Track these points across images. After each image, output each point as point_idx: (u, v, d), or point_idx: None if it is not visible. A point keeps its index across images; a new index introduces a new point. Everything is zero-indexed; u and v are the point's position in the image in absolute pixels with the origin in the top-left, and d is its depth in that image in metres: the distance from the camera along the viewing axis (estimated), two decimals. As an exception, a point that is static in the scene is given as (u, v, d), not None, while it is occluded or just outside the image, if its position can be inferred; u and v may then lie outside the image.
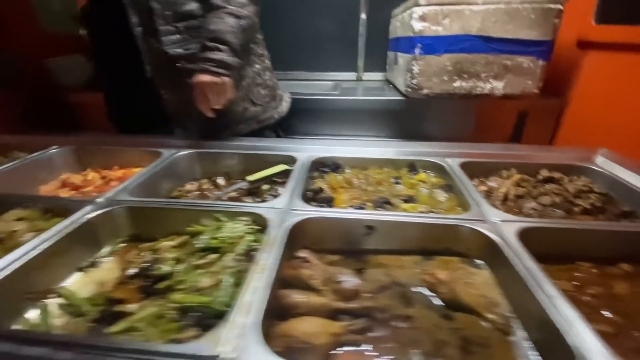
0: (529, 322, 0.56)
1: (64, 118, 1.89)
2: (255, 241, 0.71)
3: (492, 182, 1.02)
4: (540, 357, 0.52)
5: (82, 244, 0.73)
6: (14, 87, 1.70)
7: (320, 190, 0.99)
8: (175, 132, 1.34)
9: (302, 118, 1.70)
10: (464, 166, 1.02)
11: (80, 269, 0.72)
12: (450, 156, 1.09)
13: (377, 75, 2.32)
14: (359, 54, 2.26)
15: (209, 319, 0.53)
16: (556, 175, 1.02)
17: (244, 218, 0.78)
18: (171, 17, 1.03)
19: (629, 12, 1.27)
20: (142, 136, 1.26)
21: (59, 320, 0.60)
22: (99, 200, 0.83)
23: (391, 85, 2.02)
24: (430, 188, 0.98)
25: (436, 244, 0.75)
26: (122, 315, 0.59)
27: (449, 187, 0.97)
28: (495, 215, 0.76)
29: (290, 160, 1.10)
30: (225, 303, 0.55)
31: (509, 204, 0.94)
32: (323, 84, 2.25)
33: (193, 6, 1.01)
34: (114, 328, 0.55)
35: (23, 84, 1.75)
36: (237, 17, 0.98)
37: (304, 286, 0.62)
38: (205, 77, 0.99)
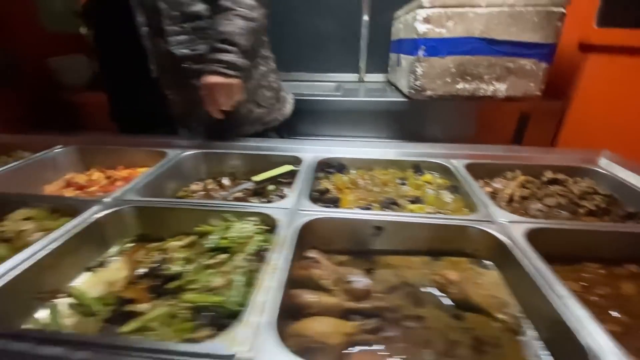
0: (539, 322, 0.56)
1: (65, 118, 1.88)
2: (264, 241, 0.71)
3: (497, 184, 1.03)
4: (551, 357, 0.52)
5: (90, 244, 0.73)
6: (15, 87, 1.69)
7: (327, 190, 0.99)
8: (179, 132, 1.34)
9: (304, 119, 1.71)
10: (469, 167, 1.03)
11: (88, 269, 0.72)
12: (454, 157, 1.10)
13: (378, 77, 2.33)
14: (361, 56, 2.27)
15: (222, 318, 0.53)
16: (560, 176, 1.02)
17: (252, 218, 0.78)
18: (178, 18, 1.03)
19: (630, 15, 1.28)
20: (147, 136, 1.26)
21: (69, 320, 0.60)
22: (106, 200, 0.83)
23: (393, 87, 2.03)
24: (436, 189, 0.98)
25: (444, 244, 0.75)
26: (133, 315, 0.59)
27: (455, 188, 0.97)
28: (503, 216, 0.77)
29: (296, 161, 1.10)
30: (238, 303, 0.55)
31: (514, 205, 0.94)
32: (325, 85, 2.25)
33: (200, 7, 1.02)
34: (126, 327, 0.55)
35: (25, 84, 1.74)
36: (247, 19, 0.98)
37: (315, 286, 0.63)
38: (214, 78, 0.99)
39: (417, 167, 1.10)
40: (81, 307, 0.62)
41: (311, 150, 1.16)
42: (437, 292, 0.65)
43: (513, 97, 1.51)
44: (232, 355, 0.43)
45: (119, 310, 0.61)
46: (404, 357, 0.53)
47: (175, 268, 0.67)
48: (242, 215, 0.78)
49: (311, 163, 1.06)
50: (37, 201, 0.82)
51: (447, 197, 0.95)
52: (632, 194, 0.92)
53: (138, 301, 0.62)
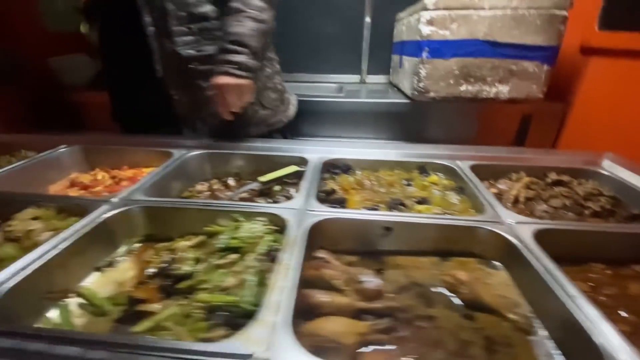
0: (550, 321, 0.57)
1: (66, 117, 1.88)
2: (274, 241, 0.71)
3: (502, 185, 1.04)
4: (563, 357, 0.53)
5: (99, 244, 0.73)
6: (17, 86, 1.69)
7: (333, 191, 0.99)
8: (183, 132, 1.34)
9: (307, 120, 1.71)
10: (474, 169, 1.04)
11: (97, 269, 0.72)
12: (458, 159, 1.10)
13: (380, 78, 2.34)
14: (363, 57, 2.28)
15: (236, 318, 0.53)
16: (565, 178, 1.03)
17: (261, 218, 0.78)
18: (185, 19, 1.03)
19: (632, 18, 1.30)
20: (151, 136, 1.26)
21: (79, 320, 0.60)
22: (114, 200, 0.82)
23: (395, 88, 2.04)
24: (442, 190, 0.99)
25: (452, 245, 0.75)
26: (144, 315, 0.59)
27: (461, 189, 0.98)
28: (510, 217, 0.77)
29: (302, 162, 1.11)
30: (252, 302, 0.55)
31: (519, 206, 0.95)
32: (327, 86, 2.26)
33: (207, 8, 1.02)
34: (139, 327, 0.55)
35: (26, 83, 1.74)
36: (257, 21, 0.99)
37: (326, 286, 0.63)
38: (225, 79, 0.99)
39: (423, 168, 1.10)
40: (91, 307, 0.62)
41: (316, 151, 1.16)
42: (447, 292, 0.65)
43: (515, 99, 1.52)
44: (250, 355, 0.43)
45: (130, 310, 0.61)
46: (417, 356, 0.53)
47: (185, 268, 0.67)
48: (250, 216, 0.78)
49: (317, 164, 1.06)
50: (44, 201, 0.82)
51: (454, 198, 0.95)
52: (636, 195, 0.93)
53: (149, 301, 0.62)
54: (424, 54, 1.45)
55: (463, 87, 1.51)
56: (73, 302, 0.63)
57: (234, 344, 0.44)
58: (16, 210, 0.79)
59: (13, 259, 0.62)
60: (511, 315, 0.59)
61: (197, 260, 0.69)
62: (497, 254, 0.73)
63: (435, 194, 0.96)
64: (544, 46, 1.40)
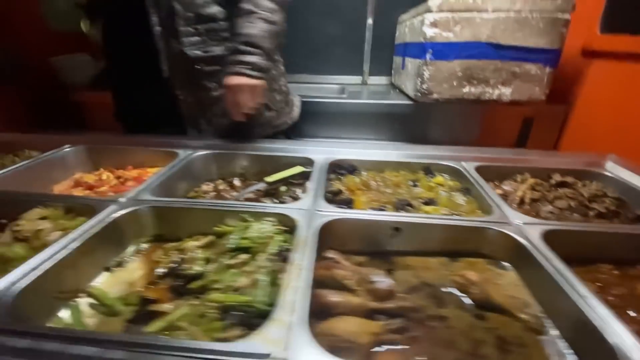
0: (562, 321, 0.57)
1: (68, 117, 1.87)
2: (284, 241, 0.71)
3: (507, 186, 1.04)
4: (575, 356, 0.53)
5: (109, 244, 0.73)
6: (19, 86, 1.68)
7: (339, 192, 1.00)
8: (188, 132, 1.34)
9: (310, 121, 1.72)
10: (479, 170, 1.04)
11: (106, 269, 0.71)
12: (463, 160, 1.11)
13: (381, 80, 2.35)
14: (365, 58, 2.29)
15: (251, 318, 0.53)
16: (569, 179, 1.04)
17: (270, 218, 0.78)
18: (192, 19, 1.03)
19: (634, 22, 1.31)
20: (155, 136, 1.26)
21: (91, 320, 0.60)
22: (121, 199, 0.82)
23: (397, 90, 2.05)
24: (448, 191, 0.99)
25: (461, 245, 0.76)
26: (155, 315, 0.59)
27: (467, 190, 0.98)
28: (518, 218, 0.78)
29: (307, 162, 1.11)
30: (266, 302, 0.55)
31: (525, 207, 0.95)
32: (328, 87, 2.27)
33: (215, 9, 1.02)
34: (152, 327, 0.55)
35: (28, 83, 1.73)
36: (269, 22, 0.99)
37: (338, 286, 0.63)
38: (239, 79, 0.99)
39: (428, 169, 1.11)
40: (103, 307, 0.62)
41: (321, 151, 1.16)
42: (457, 293, 0.66)
43: (518, 101, 1.54)
44: (268, 355, 0.43)
45: (141, 310, 0.61)
46: (430, 356, 0.53)
47: (196, 268, 0.66)
48: (259, 216, 0.78)
49: (323, 164, 1.07)
50: (52, 201, 0.81)
51: (460, 199, 0.96)
52: (640, 197, 0.94)
53: (160, 301, 0.62)
54: (428, 56, 1.46)
55: (466, 89, 1.52)
56: (83, 302, 0.63)
57: (252, 343, 0.44)
58: (23, 210, 0.79)
59: (23, 258, 0.61)
60: (522, 315, 0.59)
61: (208, 261, 0.69)
62: (505, 255, 0.73)
63: (442, 195, 0.97)
64: (547, 49, 1.42)
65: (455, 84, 1.50)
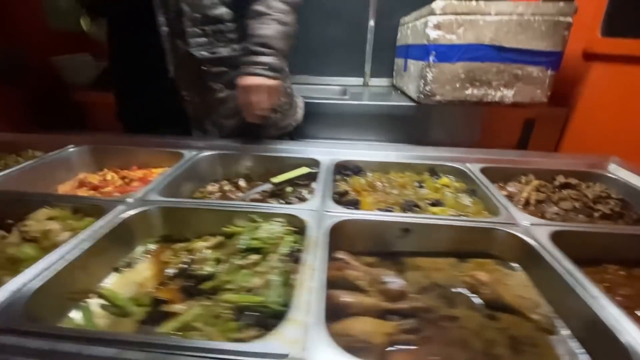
0: (574, 321, 0.57)
1: (69, 117, 1.86)
2: (294, 242, 0.71)
3: (511, 187, 1.05)
4: (588, 355, 0.53)
5: (118, 244, 0.72)
6: (20, 85, 1.67)
7: (346, 193, 1.00)
8: (193, 133, 1.33)
9: (312, 122, 1.72)
10: (484, 171, 1.05)
11: (115, 269, 0.71)
12: (466, 161, 1.12)
13: (382, 81, 2.37)
14: (366, 60, 2.30)
15: (266, 318, 0.53)
16: (573, 181, 1.05)
17: (278, 219, 0.78)
18: (199, 20, 1.03)
19: (634, 25, 1.33)
20: (159, 136, 1.26)
21: (103, 321, 0.59)
22: (129, 200, 0.82)
23: (398, 91, 2.06)
24: (454, 192, 1.00)
25: (470, 246, 0.76)
26: (167, 315, 0.59)
27: (473, 191, 0.99)
28: (525, 219, 0.78)
29: (313, 163, 1.11)
30: (280, 303, 0.55)
31: (530, 208, 0.96)
32: (330, 89, 2.28)
33: (222, 11, 1.02)
34: (165, 328, 0.55)
35: (30, 82, 1.72)
36: (282, 23, 0.99)
37: (350, 287, 0.63)
38: (256, 80, 1.00)
39: (433, 171, 1.11)
40: (114, 308, 0.61)
41: (326, 152, 1.16)
42: (468, 293, 0.66)
43: (520, 103, 1.55)
44: (286, 355, 0.43)
45: (153, 311, 0.61)
46: (444, 356, 0.54)
47: (207, 269, 0.66)
48: (268, 216, 0.79)
49: (329, 165, 1.07)
50: (60, 201, 0.81)
51: (466, 200, 0.96)
52: (644, 198, 0.95)
53: (172, 302, 0.62)
54: (431, 58, 1.47)
55: (469, 91, 1.53)
56: (94, 302, 0.63)
57: (271, 344, 0.44)
58: (29, 211, 0.78)
59: (33, 259, 0.61)
60: (533, 315, 0.60)
61: (218, 261, 0.69)
62: (514, 256, 0.74)
63: (448, 196, 0.97)
64: (549, 51, 1.43)
65: (458, 85, 1.52)
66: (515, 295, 0.64)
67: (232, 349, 0.43)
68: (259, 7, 0.98)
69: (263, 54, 1.00)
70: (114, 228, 0.72)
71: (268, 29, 0.98)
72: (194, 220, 0.81)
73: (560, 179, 1.06)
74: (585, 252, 0.74)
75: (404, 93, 1.92)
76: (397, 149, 1.26)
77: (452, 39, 1.44)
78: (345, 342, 0.51)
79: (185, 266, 0.70)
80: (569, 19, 1.39)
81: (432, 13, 1.42)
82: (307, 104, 1.53)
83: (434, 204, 0.93)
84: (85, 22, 1.69)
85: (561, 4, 1.38)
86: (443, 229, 0.77)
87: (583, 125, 1.60)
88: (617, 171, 1.08)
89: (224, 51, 1.07)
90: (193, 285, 0.65)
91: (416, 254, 0.77)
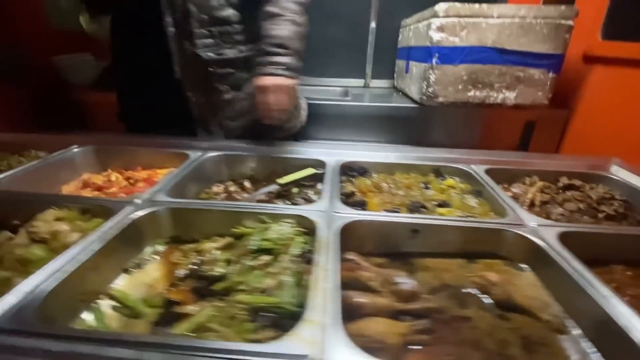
0: (585, 321, 0.58)
1: (70, 117, 1.84)
2: (305, 243, 0.71)
3: (516, 189, 1.06)
4: (599, 354, 0.54)
5: (128, 245, 0.72)
6: (21, 85, 1.65)
7: (352, 194, 1.00)
8: (198, 134, 1.33)
9: (314, 123, 1.72)
10: (489, 172, 1.06)
11: (125, 270, 0.71)
12: (470, 163, 1.12)
13: (383, 83, 2.37)
14: (368, 62, 2.30)
15: (281, 319, 0.53)
16: (576, 182, 1.06)
17: (288, 220, 0.78)
18: (206, 21, 1.03)
19: (634, 29, 1.35)
20: (163, 137, 1.25)
21: (115, 322, 0.59)
22: (137, 201, 0.82)
23: (400, 93, 2.07)
24: (460, 193, 1.01)
25: (478, 247, 0.77)
26: (181, 316, 0.59)
27: (479, 192, 1.00)
28: (532, 220, 0.79)
29: (319, 164, 1.11)
30: (294, 303, 0.55)
31: (535, 209, 0.97)
32: (331, 90, 2.28)
33: (230, 12, 1.02)
34: (179, 329, 0.55)
35: (30, 82, 1.70)
36: (296, 24, 1.00)
37: (362, 287, 0.63)
38: (274, 80, 0.99)
39: (438, 172, 1.12)
40: (125, 309, 0.61)
41: (331, 153, 1.16)
42: (478, 294, 0.67)
43: (521, 105, 1.56)
44: (305, 356, 0.43)
45: (166, 312, 0.61)
46: (458, 356, 0.54)
47: (218, 269, 0.66)
48: (277, 217, 0.79)
49: (335, 166, 1.07)
50: (67, 202, 0.80)
51: (472, 201, 0.97)
52: (646, 199, 0.96)
53: (184, 303, 0.62)
54: (434, 60, 1.48)
55: (471, 93, 1.54)
56: (104, 304, 0.62)
57: (289, 344, 0.44)
58: (36, 211, 0.78)
59: (43, 260, 0.61)
60: (544, 315, 0.60)
61: (228, 262, 0.69)
62: (522, 256, 0.74)
63: (454, 197, 0.98)
64: (550, 54, 1.45)
65: (460, 87, 1.53)
66: (525, 296, 0.64)
67: (251, 350, 0.43)
68: (272, 9, 0.98)
69: (279, 54, 1.00)
70: (123, 229, 0.71)
71: (283, 29, 0.99)
72: (203, 221, 0.81)
73: (564, 181, 1.07)
74: (592, 252, 0.74)
75: (405, 94, 1.93)
76: (400, 150, 1.26)
77: (454, 41, 1.45)
78: (361, 343, 0.51)
79: (196, 267, 0.70)
80: (570, 22, 1.40)
81: (435, 15, 1.43)
82: (309, 105, 1.53)
83: (440, 205, 0.94)
84: (85, 20, 1.68)
85: (562, 7, 1.40)
86: (451, 229, 0.77)
87: (583, 127, 1.62)
88: (619, 172, 1.10)
89: (230, 53, 1.07)
90: (204, 286, 0.65)
91: (425, 254, 0.77)
